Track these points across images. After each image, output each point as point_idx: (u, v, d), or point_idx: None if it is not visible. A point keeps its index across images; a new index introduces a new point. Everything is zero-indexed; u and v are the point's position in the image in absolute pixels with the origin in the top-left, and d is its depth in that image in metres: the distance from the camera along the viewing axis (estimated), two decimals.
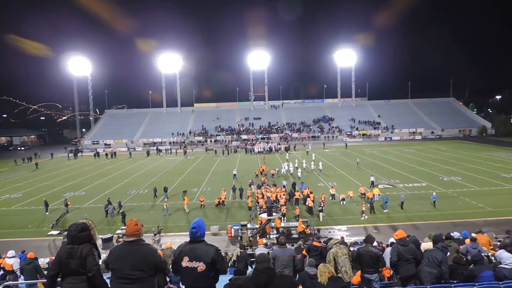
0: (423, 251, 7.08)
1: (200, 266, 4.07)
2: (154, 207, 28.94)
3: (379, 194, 27.80)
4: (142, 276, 3.91)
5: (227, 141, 76.12)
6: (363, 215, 24.09)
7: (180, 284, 4.41)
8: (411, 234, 12.82)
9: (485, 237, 10.06)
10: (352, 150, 59.91)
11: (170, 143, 77.07)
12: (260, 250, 8.82)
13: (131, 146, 76.00)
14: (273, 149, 63.43)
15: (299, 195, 27.62)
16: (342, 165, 44.71)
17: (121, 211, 25.21)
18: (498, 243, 10.50)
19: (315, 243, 8.37)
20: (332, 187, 30.01)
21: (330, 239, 8.02)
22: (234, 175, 39.55)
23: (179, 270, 4.17)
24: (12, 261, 10.42)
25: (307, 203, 25.74)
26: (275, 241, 19.04)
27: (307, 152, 56.50)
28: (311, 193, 27.52)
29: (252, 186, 31.86)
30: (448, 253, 7.38)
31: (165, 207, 26.88)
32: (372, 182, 32.71)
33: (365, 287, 6.69)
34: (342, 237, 15.59)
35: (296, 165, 42.45)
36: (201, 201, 27.94)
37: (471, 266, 6.93)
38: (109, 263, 4.00)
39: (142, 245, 4.09)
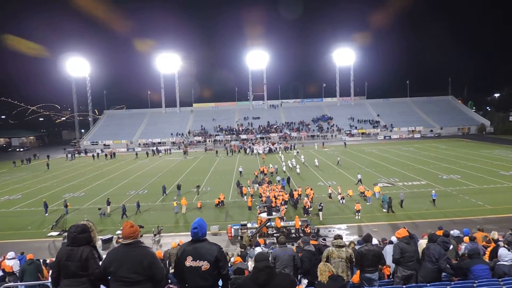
0: (419, 249, 7.09)
1: (204, 265, 4.09)
2: (164, 206, 29.11)
3: (379, 192, 27.92)
4: (139, 279, 3.88)
5: (231, 141, 76.02)
6: (358, 214, 24.10)
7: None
8: (411, 232, 12.84)
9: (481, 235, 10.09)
10: (351, 149, 59.95)
11: (173, 143, 77.17)
12: (256, 251, 8.80)
13: (131, 147, 75.94)
14: (273, 150, 62.31)
15: (297, 195, 27.61)
16: (341, 164, 44.69)
17: (139, 211, 26.99)
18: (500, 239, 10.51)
19: (301, 244, 8.42)
20: (329, 186, 30.17)
21: (339, 236, 7.71)
22: (240, 172, 40.30)
23: (183, 270, 4.17)
24: (12, 263, 10.42)
25: (303, 203, 25.67)
26: (274, 240, 19.08)
27: (297, 152, 55.97)
28: (298, 194, 27.81)
29: (255, 185, 32.03)
30: (451, 247, 7.39)
31: (175, 205, 26.99)
32: (360, 179, 33.15)
33: (366, 286, 6.68)
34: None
35: (293, 162, 43.96)
36: (198, 206, 27.91)
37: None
38: (107, 267, 3.96)
39: (139, 247, 4.05)
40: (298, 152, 55.63)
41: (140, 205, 27.77)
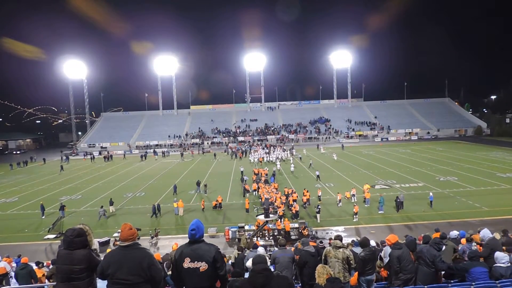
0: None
1: (203, 266, 4.09)
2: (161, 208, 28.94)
3: (368, 190, 28.18)
4: (138, 281, 3.87)
5: (229, 143, 75.93)
6: (356, 216, 24.08)
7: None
8: (408, 234, 12.88)
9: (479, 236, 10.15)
10: (348, 151, 60.03)
11: (170, 145, 77.17)
12: (255, 253, 8.79)
13: (128, 149, 75.64)
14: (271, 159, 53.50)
15: (296, 196, 27.56)
16: (339, 166, 44.77)
17: (158, 213, 26.60)
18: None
19: (299, 246, 8.45)
20: (319, 189, 30.42)
21: (338, 237, 7.52)
22: (242, 172, 40.42)
23: (181, 272, 4.16)
24: (2, 265, 10.30)
25: (292, 208, 25.40)
26: (272, 242, 19.04)
27: (300, 158, 55.39)
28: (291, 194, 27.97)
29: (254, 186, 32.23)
30: (444, 247, 7.40)
31: (175, 206, 26.96)
32: (318, 176, 35.24)
33: None
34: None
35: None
36: (202, 206, 27.94)
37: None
38: (105, 269, 3.95)
39: (138, 249, 4.04)
40: (299, 157, 54.40)
41: (130, 208, 27.28)
